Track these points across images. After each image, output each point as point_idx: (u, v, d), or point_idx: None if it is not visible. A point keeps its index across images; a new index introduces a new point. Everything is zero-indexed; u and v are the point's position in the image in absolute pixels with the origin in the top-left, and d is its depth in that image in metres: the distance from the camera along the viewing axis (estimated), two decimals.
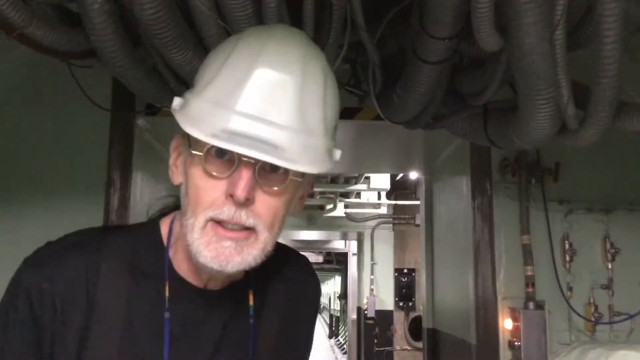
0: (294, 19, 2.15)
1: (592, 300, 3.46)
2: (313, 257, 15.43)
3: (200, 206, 0.95)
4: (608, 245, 3.50)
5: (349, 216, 9.27)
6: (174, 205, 1.11)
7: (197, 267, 1.00)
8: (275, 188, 0.95)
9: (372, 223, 9.30)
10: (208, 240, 0.94)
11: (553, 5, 1.70)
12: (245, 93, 0.91)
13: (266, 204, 0.95)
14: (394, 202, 8.84)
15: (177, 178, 1.04)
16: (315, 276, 1.28)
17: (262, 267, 1.09)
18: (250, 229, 0.95)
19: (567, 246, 3.49)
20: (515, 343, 3.34)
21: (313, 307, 1.25)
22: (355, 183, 7.91)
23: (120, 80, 2.34)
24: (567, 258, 3.48)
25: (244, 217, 0.93)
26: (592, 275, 3.50)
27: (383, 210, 9.28)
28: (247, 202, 0.93)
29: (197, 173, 0.96)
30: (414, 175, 6.18)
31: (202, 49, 2.16)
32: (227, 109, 0.90)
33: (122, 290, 1.01)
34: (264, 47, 0.94)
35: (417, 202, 5.87)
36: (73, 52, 2.13)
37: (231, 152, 0.91)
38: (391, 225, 9.29)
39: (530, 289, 3.38)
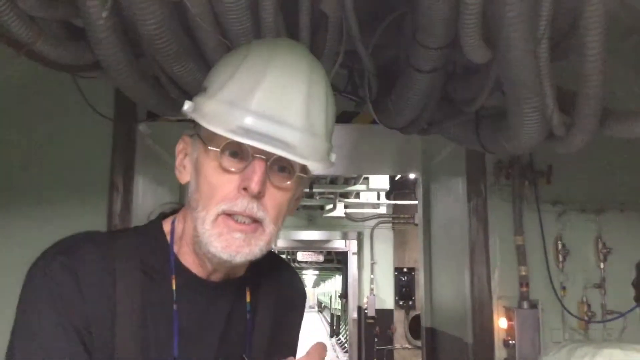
0: (290, 31, 2.22)
1: (584, 300, 3.54)
2: (314, 257, 15.47)
3: (214, 200, 1.01)
4: (600, 246, 3.57)
5: (348, 216, 9.34)
6: (172, 210, 1.18)
7: (205, 258, 1.06)
8: (287, 182, 1.03)
9: (372, 223, 9.38)
10: (219, 231, 1.00)
11: (538, 19, 1.78)
12: (259, 94, 0.99)
13: (273, 199, 1.02)
14: (393, 202, 8.90)
15: (184, 177, 1.10)
16: (302, 286, 1.36)
17: (256, 271, 1.18)
18: (257, 222, 1.02)
19: (560, 246, 3.56)
20: (510, 342, 3.41)
21: (299, 315, 1.32)
22: (355, 184, 7.98)
23: (123, 91, 2.42)
24: (560, 258, 3.55)
25: (255, 209, 1.00)
26: (584, 275, 3.57)
27: (382, 209, 9.35)
28: (258, 195, 1.00)
29: (211, 169, 1.02)
30: (412, 175, 6.24)
31: (203, 61, 2.24)
32: (242, 108, 0.98)
33: (136, 288, 1.06)
34: (274, 55, 1.04)
35: (416, 202, 5.93)
36: (78, 65, 2.20)
37: (243, 152, 1.00)
38: (391, 224, 9.36)
39: (524, 289, 3.46)
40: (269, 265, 1.22)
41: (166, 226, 1.14)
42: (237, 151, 1.01)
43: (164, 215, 1.18)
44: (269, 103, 0.99)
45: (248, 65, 1.03)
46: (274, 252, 1.20)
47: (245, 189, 0.99)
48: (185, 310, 1.08)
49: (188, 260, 1.11)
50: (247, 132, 0.97)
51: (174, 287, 1.08)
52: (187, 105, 1.05)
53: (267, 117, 0.98)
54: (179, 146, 1.12)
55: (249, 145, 0.98)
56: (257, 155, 0.99)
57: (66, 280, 1.01)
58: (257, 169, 0.99)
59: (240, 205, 1.00)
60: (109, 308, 1.02)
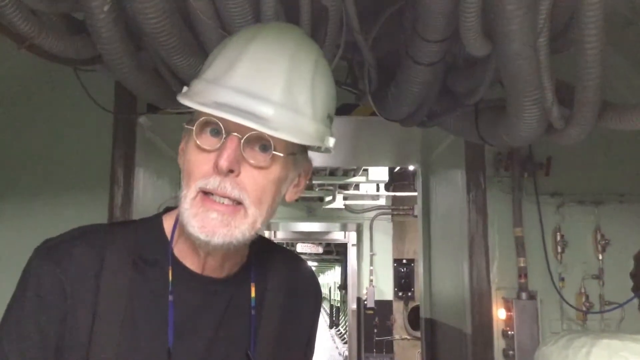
0: (291, 24, 2.22)
1: (583, 290, 3.56)
2: (313, 248, 15.51)
3: (193, 178, 1.00)
4: (599, 237, 3.59)
5: (348, 208, 9.36)
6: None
7: (194, 243, 1.04)
8: (261, 161, 1.00)
9: (371, 214, 9.40)
10: (196, 211, 0.99)
11: (537, 13, 1.78)
12: (237, 70, 0.99)
13: (252, 178, 1.00)
14: (392, 193, 8.92)
15: (182, 162, 1.10)
16: (316, 280, 1.33)
17: (263, 263, 1.18)
18: (239, 204, 1.00)
19: (558, 238, 3.58)
20: (509, 332, 3.44)
21: (313, 309, 1.29)
22: (354, 175, 8.00)
23: (124, 84, 2.42)
24: (559, 249, 3.58)
25: (229, 187, 0.98)
26: (583, 266, 3.59)
27: (382, 201, 9.36)
28: (230, 174, 0.98)
29: (191, 148, 1.03)
30: (411, 167, 6.25)
31: (204, 53, 2.24)
32: (221, 85, 0.98)
33: (123, 280, 1.06)
34: (257, 34, 1.04)
35: (415, 194, 5.95)
36: (79, 58, 2.21)
37: (221, 130, 0.98)
38: (390, 216, 9.38)
39: (522, 280, 3.48)
40: (276, 259, 1.22)
41: (169, 219, 1.14)
42: (217, 129, 0.99)
43: (169, 209, 1.18)
44: (247, 78, 0.98)
45: (232, 45, 1.04)
46: (282, 246, 1.20)
47: (217, 166, 0.99)
48: (178, 304, 1.08)
49: (185, 251, 1.10)
50: (220, 105, 0.96)
51: (170, 278, 1.08)
52: (184, 89, 1.07)
53: (243, 92, 0.97)
54: (184, 133, 1.12)
55: (222, 122, 0.97)
56: (233, 134, 0.98)
57: (48, 279, 1.03)
58: (229, 145, 0.97)
59: (212, 183, 0.98)
60: (92, 302, 1.04)
